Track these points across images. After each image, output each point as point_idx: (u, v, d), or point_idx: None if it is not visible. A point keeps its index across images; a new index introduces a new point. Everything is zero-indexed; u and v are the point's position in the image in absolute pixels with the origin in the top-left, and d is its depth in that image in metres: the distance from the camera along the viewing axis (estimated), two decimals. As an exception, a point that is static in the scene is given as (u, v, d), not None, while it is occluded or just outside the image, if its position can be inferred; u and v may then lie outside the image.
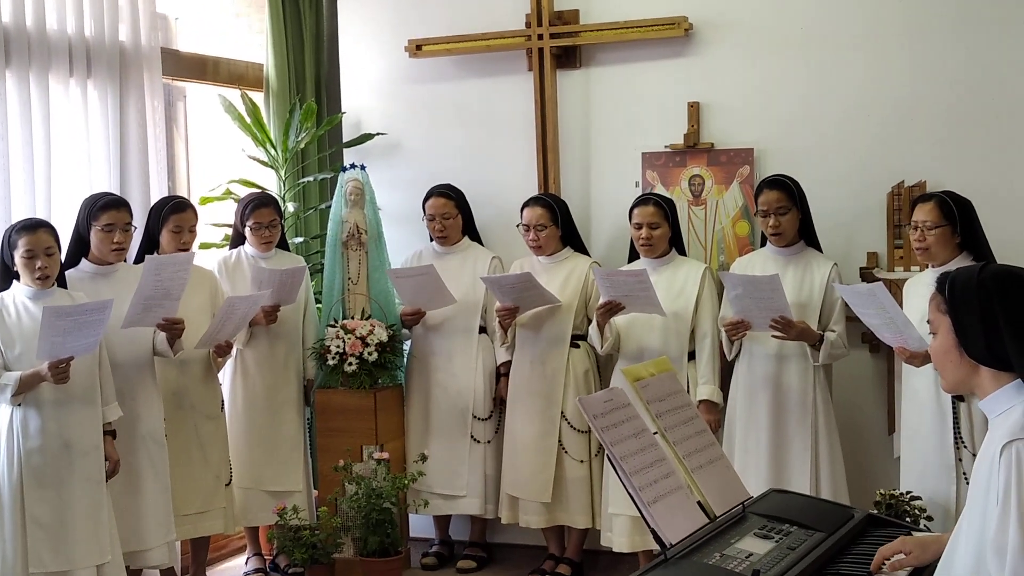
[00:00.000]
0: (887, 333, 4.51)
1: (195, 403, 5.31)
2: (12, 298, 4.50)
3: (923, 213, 4.58)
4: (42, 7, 5.14)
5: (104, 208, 4.83)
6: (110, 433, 4.70)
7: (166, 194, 5.75)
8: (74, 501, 4.49)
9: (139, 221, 5.12)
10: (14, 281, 4.53)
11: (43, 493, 4.43)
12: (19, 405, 4.41)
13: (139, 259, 5.10)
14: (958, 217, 4.54)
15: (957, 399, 4.48)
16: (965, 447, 4.48)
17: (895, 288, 4.95)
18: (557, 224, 5.59)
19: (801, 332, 4.85)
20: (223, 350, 5.24)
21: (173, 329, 4.90)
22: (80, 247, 4.92)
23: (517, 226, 5.64)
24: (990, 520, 2.35)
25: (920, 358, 4.40)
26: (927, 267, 4.74)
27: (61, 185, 5.26)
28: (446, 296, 5.61)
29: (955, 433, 4.51)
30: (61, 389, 4.42)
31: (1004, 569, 2.30)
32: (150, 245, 5.19)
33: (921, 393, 4.63)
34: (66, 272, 4.82)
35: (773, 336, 4.87)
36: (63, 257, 4.69)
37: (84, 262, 4.92)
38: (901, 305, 4.54)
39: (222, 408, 5.49)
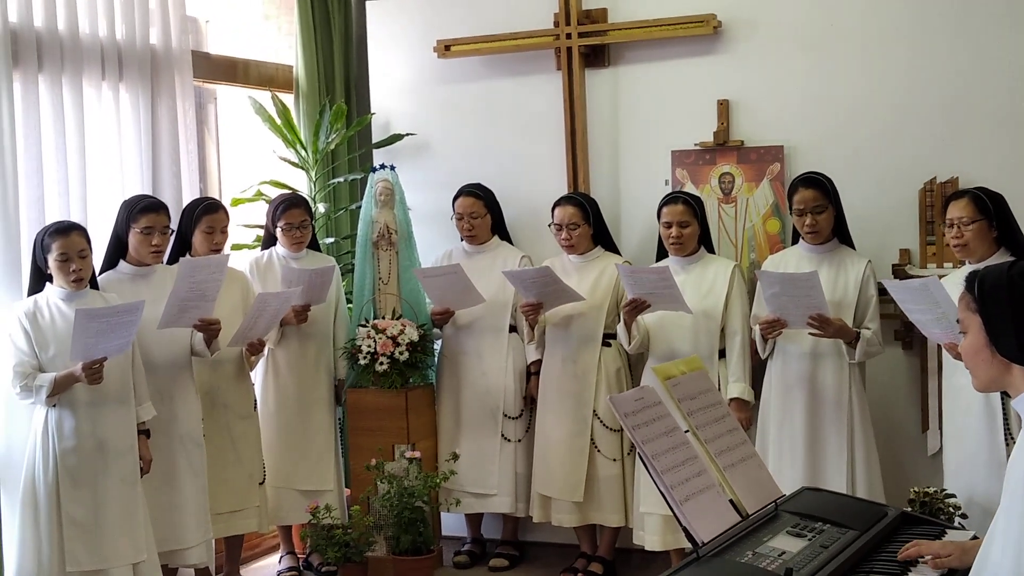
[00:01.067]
0: (936, 329, 4.44)
1: (228, 402, 5.35)
2: (45, 300, 4.55)
3: (958, 210, 4.54)
4: (74, 11, 5.18)
5: (144, 211, 4.87)
6: (144, 432, 4.75)
7: (198, 196, 5.79)
8: (109, 500, 4.54)
9: (172, 224, 5.15)
10: (47, 283, 4.58)
11: (78, 493, 4.48)
12: (54, 406, 4.46)
13: (172, 260, 5.13)
14: (993, 211, 4.50)
15: (1005, 395, 4.43)
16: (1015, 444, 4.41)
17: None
18: (589, 223, 5.58)
19: (838, 330, 4.82)
20: (255, 348, 5.27)
21: (209, 330, 4.94)
22: (118, 249, 4.96)
23: (549, 225, 5.64)
24: None
25: None
26: (961, 264, 4.71)
27: (94, 188, 5.30)
28: (474, 295, 5.62)
29: (1005, 430, 4.45)
30: (95, 390, 4.46)
31: None
32: (182, 246, 5.23)
33: (966, 392, 4.54)
34: (104, 274, 4.89)
35: (810, 334, 4.84)
36: (99, 259, 4.73)
37: (122, 263, 4.96)
38: None
39: (255, 407, 5.53)
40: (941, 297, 4.30)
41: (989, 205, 4.50)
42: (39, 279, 4.60)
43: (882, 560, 2.95)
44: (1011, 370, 2.47)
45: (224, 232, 5.33)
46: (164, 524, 4.88)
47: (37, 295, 4.58)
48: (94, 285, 4.68)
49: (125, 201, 5.00)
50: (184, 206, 5.44)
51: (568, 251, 5.64)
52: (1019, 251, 4.49)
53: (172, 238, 5.10)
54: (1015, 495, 2.41)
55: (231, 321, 5.15)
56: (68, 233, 4.51)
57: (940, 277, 4.85)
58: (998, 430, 4.47)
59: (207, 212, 5.26)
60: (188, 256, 5.18)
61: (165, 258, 5.18)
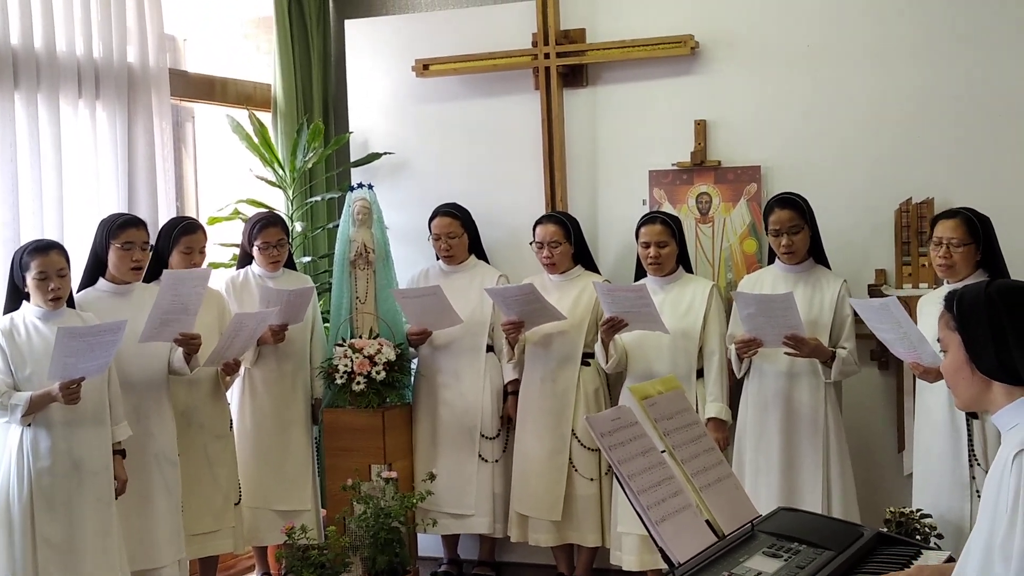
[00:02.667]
0: (901, 348, 4.50)
1: (204, 422, 5.32)
2: (22, 318, 4.52)
3: (948, 230, 4.55)
4: (51, 29, 5.17)
5: (123, 227, 4.85)
6: (119, 452, 4.71)
7: (175, 214, 5.78)
8: (84, 521, 4.50)
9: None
10: (23, 301, 4.55)
11: (53, 513, 4.44)
12: (29, 425, 4.42)
13: (147, 279, 5.11)
14: (981, 234, 4.53)
15: (971, 416, 4.46)
16: (979, 465, 4.45)
17: (904, 305, 4.93)
18: (570, 241, 5.59)
19: (814, 350, 4.84)
20: (231, 368, 5.25)
21: (190, 344, 4.91)
22: (97, 267, 4.94)
23: (530, 244, 5.65)
24: (998, 527, 2.35)
25: (933, 373, 4.38)
26: (941, 284, 4.73)
27: (70, 206, 5.28)
28: (452, 316, 5.61)
29: (970, 451, 4.49)
30: (71, 409, 4.43)
31: (1010, 574, 2.30)
32: (159, 266, 5.20)
33: (934, 411, 4.61)
34: (83, 292, 4.86)
35: (786, 353, 4.86)
36: (77, 278, 4.71)
37: (101, 281, 4.94)
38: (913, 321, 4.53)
39: (231, 427, 5.50)
40: (902, 317, 4.34)
41: (979, 228, 4.53)
42: (16, 297, 4.56)
43: (858, 582, 2.95)
44: (991, 387, 2.48)
45: (202, 252, 5.31)
46: (136, 543, 4.84)
47: (14, 313, 4.54)
48: (71, 304, 4.65)
49: (104, 219, 4.98)
50: (161, 225, 5.43)
51: (549, 270, 5.64)
52: (997, 273, 4.52)
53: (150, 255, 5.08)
54: (986, 508, 2.43)
55: (207, 340, 5.12)
56: (47, 252, 4.48)
57: (917, 298, 4.89)
58: (962, 450, 4.51)
59: (185, 232, 5.24)
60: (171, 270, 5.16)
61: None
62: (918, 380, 4.68)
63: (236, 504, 5.45)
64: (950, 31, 5.34)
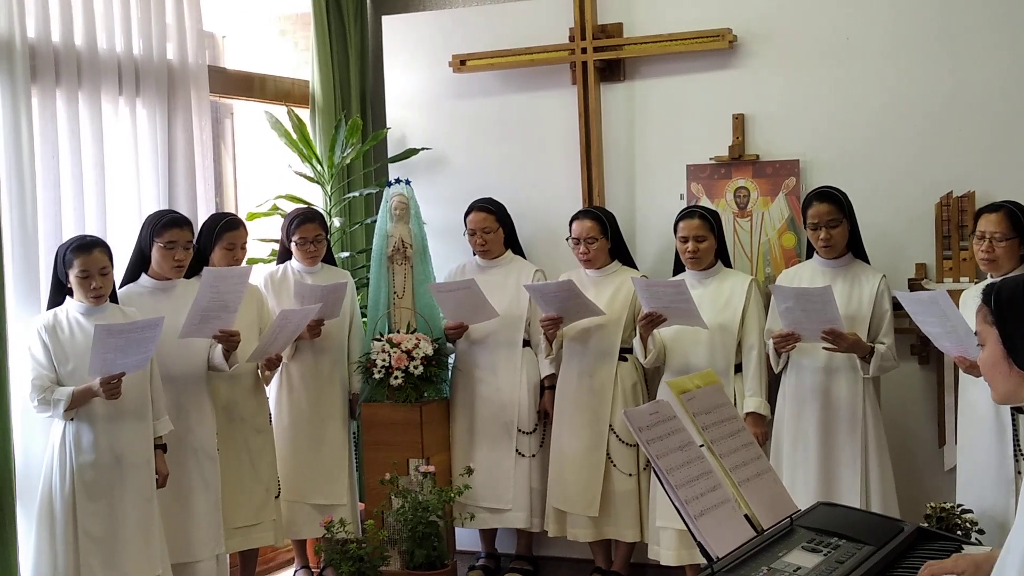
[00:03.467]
0: (947, 343, 4.45)
1: (245, 416, 5.36)
2: (65, 314, 4.56)
3: (992, 224, 4.51)
4: (92, 26, 5.21)
5: (167, 226, 4.89)
6: (160, 447, 4.75)
7: (214, 210, 5.81)
8: (125, 515, 4.55)
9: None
10: (67, 297, 4.59)
11: (95, 506, 4.49)
12: (71, 420, 4.47)
13: (189, 275, 5.15)
14: None
15: (1016, 411, 4.42)
16: (1025, 460, 4.42)
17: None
18: (607, 237, 5.58)
19: (852, 344, 4.81)
20: (273, 363, 5.29)
21: (230, 341, 4.94)
22: (140, 262, 4.98)
23: (567, 239, 5.64)
24: None
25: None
26: (982, 278, 4.68)
27: (111, 202, 5.32)
28: (488, 310, 5.62)
29: (1015, 446, 4.45)
30: (113, 404, 4.47)
31: None
32: (200, 262, 5.23)
33: (979, 406, 4.56)
34: (126, 287, 4.91)
35: (824, 348, 4.83)
36: (120, 272, 4.75)
37: (144, 277, 4.98)
38: None
39: (270, 421, 5.54)
40: (950, 311, 4.30)
41: (1023, 221, 4.49)
42: (59, 292, 4.61)
43: (898, 576, 2.94)
44: None
45: (244, 248, 5.36)
46: (174, 536, 4.88)
47: (57, 308, 4.59)
48: (114, 299, 4.69)
49: (149, 216, 5.02)
50: (201, 221, 5.47)
51: (586, 265, 5.64)
52: None
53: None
54: None
55: (247, 336, 5.16)
56: (90, 250, 4.52)
57: (960, 291, 4.85)
58: (1007, 444, 4.47)
59: (228, 229, 5.28)
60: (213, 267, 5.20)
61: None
62: (961, 375, 4.65)
63: (276, 497, 5.49)
64: (990, 21, 5.28)
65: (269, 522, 5.44)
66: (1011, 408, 4.40)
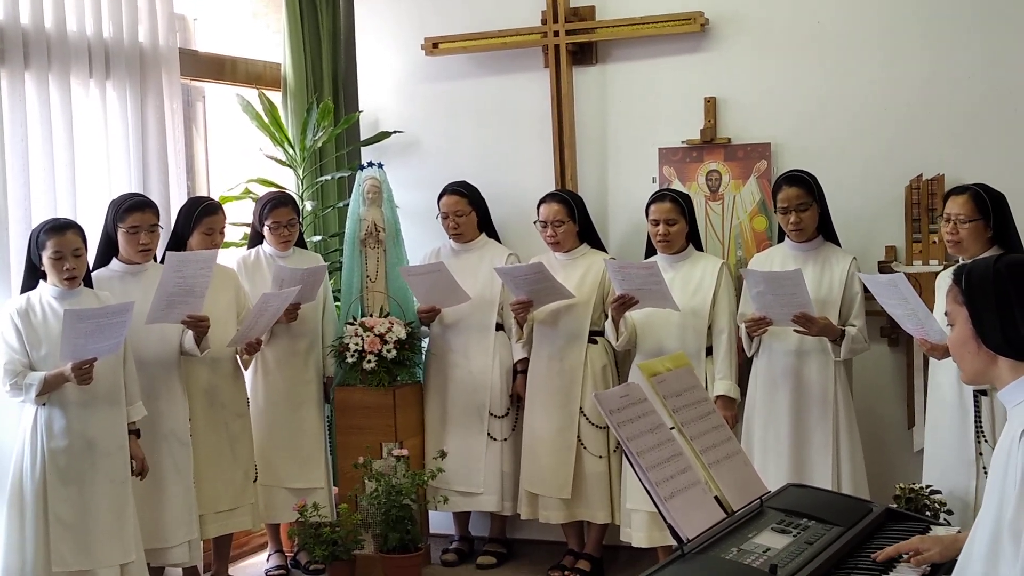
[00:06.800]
0: (909, 324, 4.51)
1: (225, 401, 5.36)
2: (39, 298, 4.54)
3: (957, 206, 4.53)
4: (62, 9, 5.17)
5: (129, 210, 4.86)
6: (134, 432, 4.74)
7: (186, 194, 5.78)
8: (97, 500, 4.53)
9: (162, 221, 5.12)
10: (40, 281, 4.56)
11: (66, 492, 4.48)
12: (44, 404, 4.46)
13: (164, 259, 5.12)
14: (992, 211, 4.50)
15: (979, 393, 4.47)
16: (986, 442, 4.45)
17: (914, 281, 4.93)
18: (574, 220, 5.59)
19: (823, 328, 4.84)
20: (253, 348, 5.28)
21: (198, 327, 4.92)
22: (109, 247, 4.96)
23: (534, 222, 5.65)
24: (1007, 505, 2.35)
25: (941, 350, 4.39)
26: (954, 262, 4.72)
27: (82, 185, 5.29)
28: (460, 294, 5.62)
29: (977, 427, 4.50)
30: (85, 389, 4.45)
31: (1020, 552, 2.30)
32: (177, 246, 5.19)
33: (944, 387, 4.61)
34: (97, 271, 4.88)
35: (795, 331, 4.86)
36: (92, 257, 4.73)
37: (114, 261, 4.96)
38: (928, 298, 4.53)
39: (247, 405, 5.54)
40: (909, 294, 4.35)
41: (988, 204, 4.50)
42: (33, 276, 4.58)
43: (866, 557, 2.96)
44: (996, 362, 2.49)
45: (222, 233, 5.35)
46: (147, 522, 4.86)
47: (30, 292, 4.56)
48: (89, 282, 4.67)
49: (113, 200, 5.00)
50: (173, 204, 5.45)
51: (553, 248, 5.65)
52: (1011, 250, 4.49)
53: (162, 236, 5.08)
54: (993, 486, 2.43)
55: (225, 319, 5.15)
56: (64, 231, 4.49)
57: (928, 274, 4.89)
58: (969, 427, 4.52)
59: (207, 213, 5.25)
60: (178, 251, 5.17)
61: (159, 256, 5.16)
62: (929, 357, 4.69)
63: (254, 481, 5.50)
64: (960, 9, 5.31)
65: (248, 506, 5.44)
66: (974, 391, 4.44)
